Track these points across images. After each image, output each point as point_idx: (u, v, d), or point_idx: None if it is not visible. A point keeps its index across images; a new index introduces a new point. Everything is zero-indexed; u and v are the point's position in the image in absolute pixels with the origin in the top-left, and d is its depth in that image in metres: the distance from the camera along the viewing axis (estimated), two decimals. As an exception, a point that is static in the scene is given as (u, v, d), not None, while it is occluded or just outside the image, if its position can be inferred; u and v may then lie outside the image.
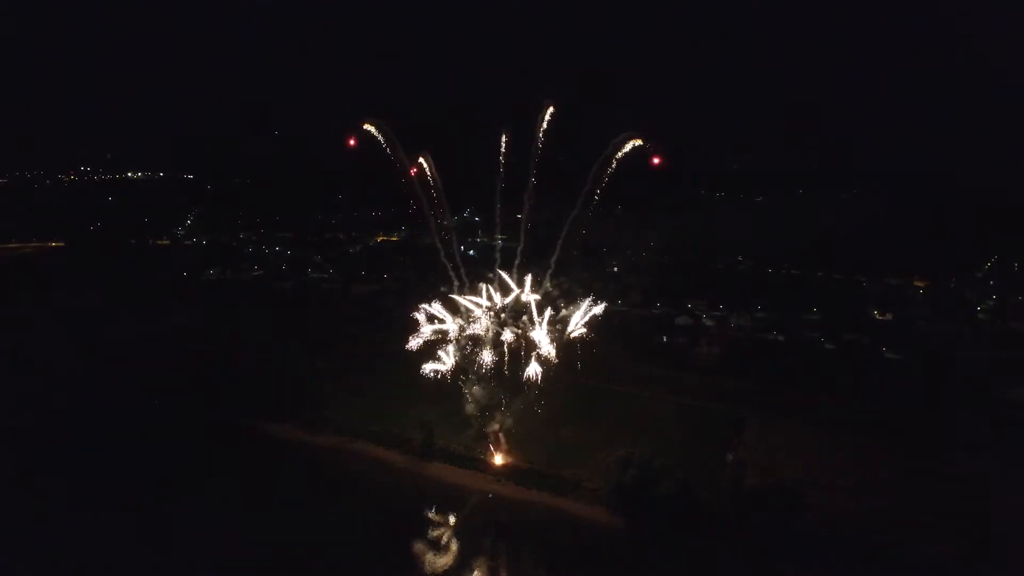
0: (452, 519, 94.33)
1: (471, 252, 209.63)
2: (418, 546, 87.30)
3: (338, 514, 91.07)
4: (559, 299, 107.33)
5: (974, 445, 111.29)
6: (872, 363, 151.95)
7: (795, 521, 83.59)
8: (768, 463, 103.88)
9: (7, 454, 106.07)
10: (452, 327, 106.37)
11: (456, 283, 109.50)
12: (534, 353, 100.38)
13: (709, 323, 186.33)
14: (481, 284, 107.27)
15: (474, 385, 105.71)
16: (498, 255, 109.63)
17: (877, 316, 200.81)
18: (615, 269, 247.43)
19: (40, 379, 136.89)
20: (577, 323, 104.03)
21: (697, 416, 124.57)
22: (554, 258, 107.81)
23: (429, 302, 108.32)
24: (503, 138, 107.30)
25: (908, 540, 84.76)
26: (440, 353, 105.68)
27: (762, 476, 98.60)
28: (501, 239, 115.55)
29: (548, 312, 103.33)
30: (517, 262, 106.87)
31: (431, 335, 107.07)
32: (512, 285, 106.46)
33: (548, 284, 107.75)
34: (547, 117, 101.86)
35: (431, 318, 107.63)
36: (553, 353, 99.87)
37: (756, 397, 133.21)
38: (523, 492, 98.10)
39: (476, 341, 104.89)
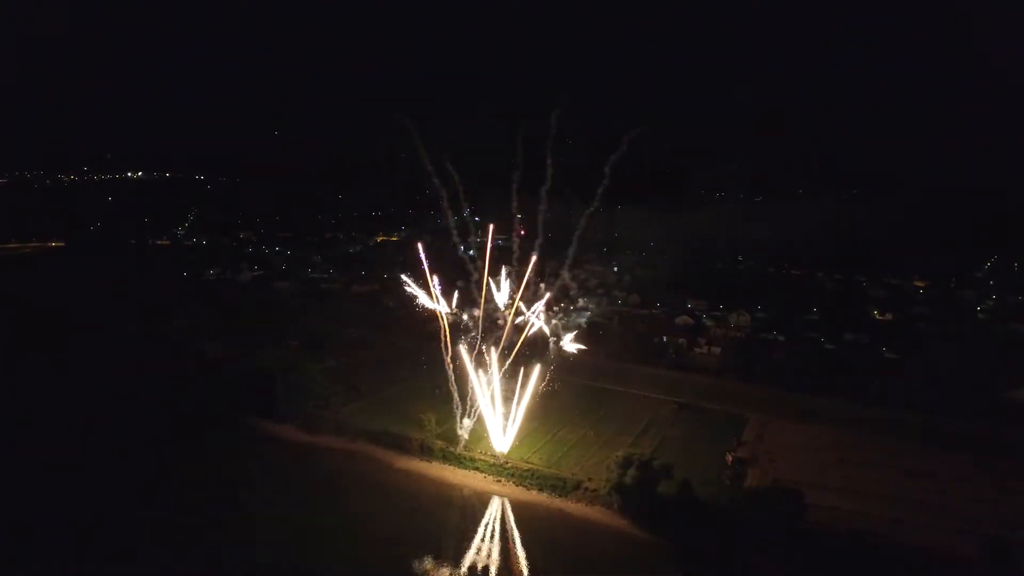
0: (451, 519, 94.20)
1: (471, 252, 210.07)
2: (417, 546, 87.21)
3: (337, 514, 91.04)
4: (573, 294, 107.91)
5: (974, 445, 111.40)
6: (872, 363, 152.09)
7: (795, 521, 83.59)
8: (768, 463, 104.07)
9: (5, 452, 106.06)
10: (458, 321, 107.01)
11: (475, 277, 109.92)
12: (547, 348, 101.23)
13: (709, 323, 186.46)
14: (494, 280, 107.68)
15: (478, 382, 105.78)
16: (515, 250, 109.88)
17: (877, 316, 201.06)
18: (615, 269, 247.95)
19: (39, 380, 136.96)
20: (584, 323, 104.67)
21: (696, 416, 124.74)
22: (570, 251, 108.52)
23: (433, 299, 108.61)
24: (517, 139, 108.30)
25: (908, 540, 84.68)
26: (443, 351, 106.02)
27: (762, 476, 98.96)
28: (502, 239, 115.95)
29: (561, 309, 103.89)
30: (535, 255, 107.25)
31: (435, 331, 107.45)
32: (506, 287, 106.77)
33: (567, 277, 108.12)
34: (555, 121, 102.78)
35: (436, 315, 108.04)
36: (561, 348, 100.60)
37: (756, 397, 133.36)
38: (523, 492, 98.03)
39: (485, 336, 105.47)
